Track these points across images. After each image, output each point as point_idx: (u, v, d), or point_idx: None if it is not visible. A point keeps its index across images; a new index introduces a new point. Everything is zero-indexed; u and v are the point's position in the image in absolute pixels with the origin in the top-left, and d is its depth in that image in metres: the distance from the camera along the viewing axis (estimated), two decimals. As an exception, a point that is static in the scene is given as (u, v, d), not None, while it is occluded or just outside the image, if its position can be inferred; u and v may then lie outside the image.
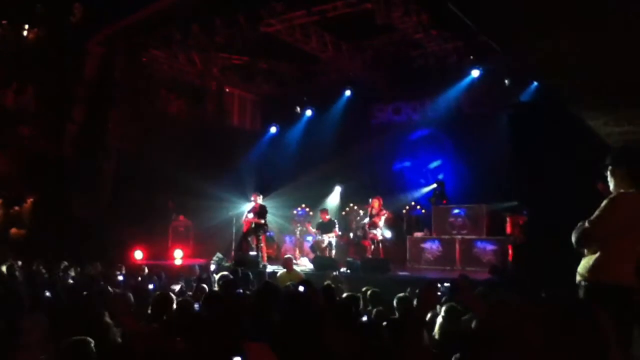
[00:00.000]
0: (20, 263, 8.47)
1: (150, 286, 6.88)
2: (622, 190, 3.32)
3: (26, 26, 12.48)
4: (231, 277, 7.30)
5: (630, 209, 3.24)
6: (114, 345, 3.82)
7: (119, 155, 12.24)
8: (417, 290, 6.23)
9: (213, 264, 10.51)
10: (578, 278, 3.36)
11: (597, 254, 3.25)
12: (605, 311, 2.93)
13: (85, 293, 5.82)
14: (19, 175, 11.95)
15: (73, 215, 11.28)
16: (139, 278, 7.91)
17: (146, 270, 8.49)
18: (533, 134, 10.03)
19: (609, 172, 3.42)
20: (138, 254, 11.27)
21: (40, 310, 4.92)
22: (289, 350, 3.37)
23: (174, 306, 4.86)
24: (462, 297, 4.04)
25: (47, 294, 5.73)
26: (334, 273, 9.10)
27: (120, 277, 7.84)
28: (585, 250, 3.35)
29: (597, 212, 3.28)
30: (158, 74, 13.13)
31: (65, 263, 8.27)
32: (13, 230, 12.19)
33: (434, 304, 3.92)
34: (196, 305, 5.01)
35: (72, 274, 7.79)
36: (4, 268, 8.38)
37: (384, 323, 4.27)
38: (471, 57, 11.69)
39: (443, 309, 4.46)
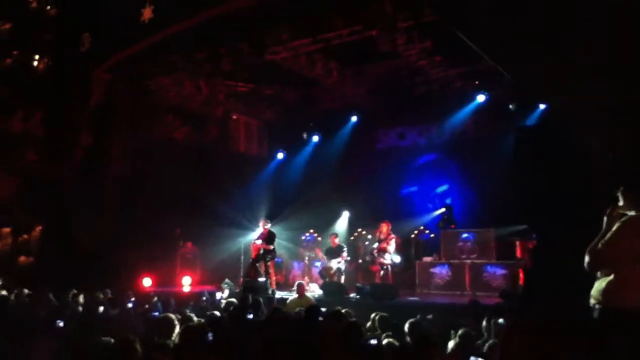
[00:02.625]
0: (26, 291, 8.47)
1: (156, 313, 6.86)
2: (634, 213, 3.32)
3: (37, 56, 12.72)
4: (238, 302, 7.30)
5: (643, 232, 3.24)
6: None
7: (126, 181, 12.30)
8: (428, 316, 6.21)
9: (225, 289, 10.46)
10: (592, 301, 3.33)
11: (611, 277, 3.23)
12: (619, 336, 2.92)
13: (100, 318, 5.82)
14: (27, 202, 12.01)
15: (79, 242, 11.29)
16: (147, 305, 7.88)
17: (155, 298, 8.45)
18: (539, 157, 10.03)
19: (620, 194, 3.42)
20: (147, 281, 11.25)
21: (49, 336, 4.91)
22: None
23: (177, 329, 4.89)
24: None
25: (59, 321, 5.71)
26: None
27: (130, 304, 7.82)
28: (599, 273, 3.33)
29: (609, 235, 3.27)
30: (164, 101, 13.27)
31: (74, 290, 8.25)
32: (22, 258, 12.22)
33: None
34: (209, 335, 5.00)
35: (82, 300, 7.77)
36: (12, 296, 8.39)
37: (395, 346, 4.27)
38: (476, 82, 11.80)
39: (458, 333, 4.43)
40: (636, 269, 3.19)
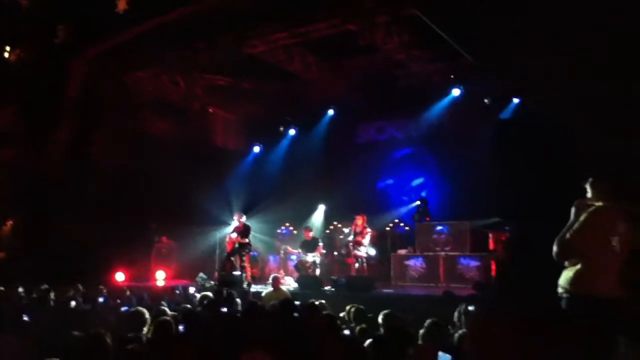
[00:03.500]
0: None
1: (124, 308, 6.77)
2: (601, 203, 3.38)
3: (7, 48, 12.39)
4: (212, 296, 7.27)
5: (610, 221, 3.30)
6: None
7: (102, 176, 12.12)
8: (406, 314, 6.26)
9: (198, 283, 10.40)
10: (560, 290, 3.39)
11: (578, 266, 3.30)
12: (588, 323, 2.98)
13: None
14: (1, 197, 11.76)
15: (55, 237, 11.09)
16: (119, 300, 7.79)
17: (127, 292, 8.36)
18: (514, 150, 10.17)
19: (589, 184, 3.48)
20: (120, 276, 11.11)
21: (16, 332, 4.82)
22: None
23: (148, 322, 4.88)
24: None
25: (25, 317, 5.61)
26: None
27: (102, 299, 7.71)
28: (566, 262, 3.39)
29: (577, 225, 3.33)
30: (142, 95, 13.10)
31: (45, 285, 8.11)
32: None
33: None
34: (180, 327, 4.98)
35: (52, 296, 7.64)
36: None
37: (370, 339, 4.29)
38: (452, 76, 11.89)
39: (425, 323, 4.48)
40: (602, 258, 3.27)
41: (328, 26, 10.06)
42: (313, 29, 10.19)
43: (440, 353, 3.27)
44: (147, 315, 5.04)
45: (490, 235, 10.60)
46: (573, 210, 3.46)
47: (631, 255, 3.26)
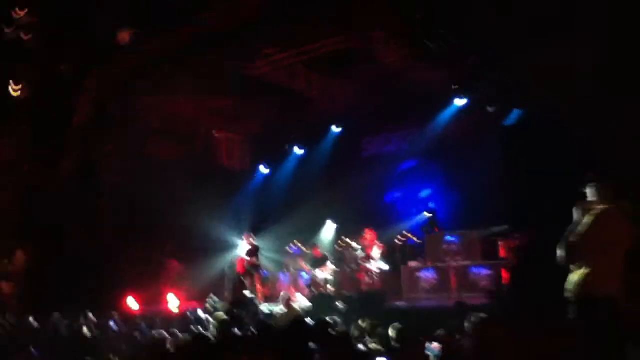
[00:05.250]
0: (6, 316, 8.33)
1: (137, 333, 6.77)
2: (604, 205, 3.36)
3: (11, 82, 12.55)
4: (224, 318, 7.24)
5: (613, 224, 3.28)
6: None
7: (113, 201, 12.19)
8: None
9: (206, 308, 10.35)
10: (567, 294, 3.36)
11: (583, 269, 3.27)
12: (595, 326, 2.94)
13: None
14: (8, 227, 11.83)
15: (65, 263, 11.12)
16: (131, 326, 7.78)
17: (140, 321, 8.34)
18: (521, 157, 10.14)
19: (591, 187, 3.46)
20: (131, 301, 11.10)
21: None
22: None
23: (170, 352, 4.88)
24: None
25: (32, 349, 5.62)
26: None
27: (113, 325, 7.72)
28: (571, 266, 3.36)
29: (581, 228, 3.31)
30: (148, 119, 13.22)
31: (57, 314, 8.12)
32: (2, 285, 12.01)
33: None
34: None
35: (64, 324, 7.65)
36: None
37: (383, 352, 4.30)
38: (455, 86, 11.89)
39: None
40: (607, 260, 3.23)
41: (331, 44, 10.17)
42: (316, 47, 10.30)
43: (427, 344, 3.30)
44: (168, 344, 5.04)
45: (501, 243, 10.50)
46: (575, 212, 3.44)
47: (635, 257, 3.23)
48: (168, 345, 5.07)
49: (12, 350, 5.52)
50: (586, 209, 3.40)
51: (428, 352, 4.14)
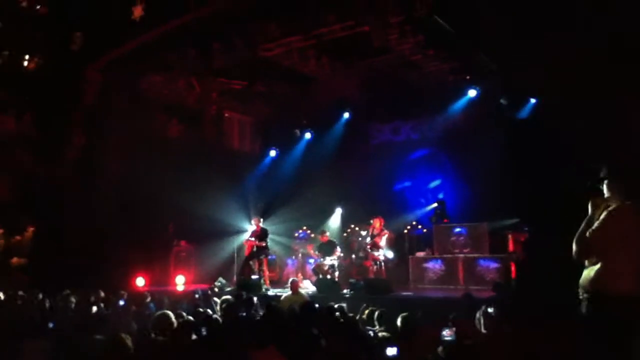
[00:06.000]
0: (20, 293, 8.45)
1: (147, 311, 6.85)
2: (619, 202, 3.34)
3: (27, 56, 12.60)
4: (231, 300, 7.30)
5: (629, 220, 3.26)
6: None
7: (119, 180, 12.23)
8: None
9: (215, 288, 10.44)
10: (580, 291, 3.36)
11: (598, 266, 3.26)
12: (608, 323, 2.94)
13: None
14: (19, 203, 11.94)
15: (73, 242, 11.22)
16: (139, 304, 7.85)
17: (148, 297, 8.43)
18: (532, 150, 10.07)
19: (605, 184, 3.44)
20: (140, 281, 11.22)
21: (44, 337, 4.92)
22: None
23: (174, 326, 4.97)
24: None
25: (50, 323, 5.72)
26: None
27: (123, 303, 7.80)
28: (586, 262, 3.36)
29: (597, 224, 3.29)
30: (158, 99, 13.19)
31: (67, 291, 8.23)
32: (14, 259, 12.16)
33: None
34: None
35: (74, 300, 7.75)
36: (4, 296, 8.37)
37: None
38: (467, 77, 11.81)
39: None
40: (622, 257, 3.22)
41: (342, 28, 10.09)
42: (327, 31, 10.22)
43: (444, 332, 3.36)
44: (173, 318, 5.13)
45: (509, 236, 10.49)
46: (590, 206, 3.43)
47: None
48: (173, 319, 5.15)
49: (24, 326, 5.59)
50: (601, 204, 3.39)
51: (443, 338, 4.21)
